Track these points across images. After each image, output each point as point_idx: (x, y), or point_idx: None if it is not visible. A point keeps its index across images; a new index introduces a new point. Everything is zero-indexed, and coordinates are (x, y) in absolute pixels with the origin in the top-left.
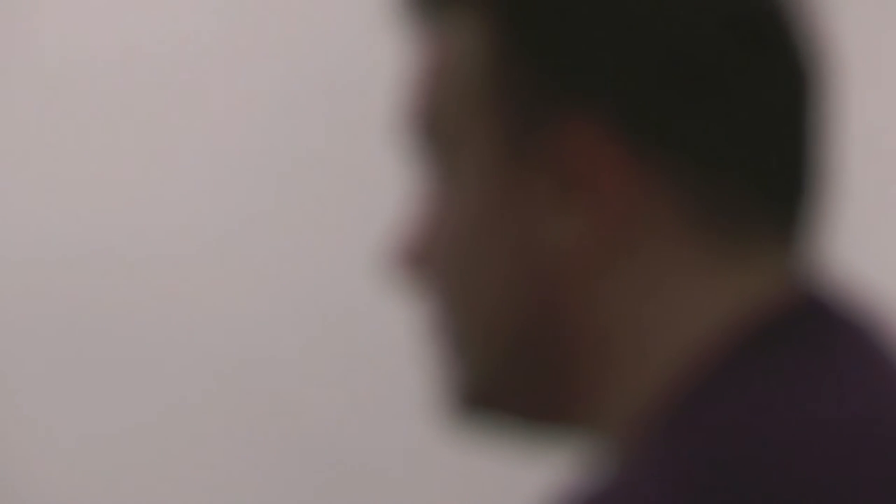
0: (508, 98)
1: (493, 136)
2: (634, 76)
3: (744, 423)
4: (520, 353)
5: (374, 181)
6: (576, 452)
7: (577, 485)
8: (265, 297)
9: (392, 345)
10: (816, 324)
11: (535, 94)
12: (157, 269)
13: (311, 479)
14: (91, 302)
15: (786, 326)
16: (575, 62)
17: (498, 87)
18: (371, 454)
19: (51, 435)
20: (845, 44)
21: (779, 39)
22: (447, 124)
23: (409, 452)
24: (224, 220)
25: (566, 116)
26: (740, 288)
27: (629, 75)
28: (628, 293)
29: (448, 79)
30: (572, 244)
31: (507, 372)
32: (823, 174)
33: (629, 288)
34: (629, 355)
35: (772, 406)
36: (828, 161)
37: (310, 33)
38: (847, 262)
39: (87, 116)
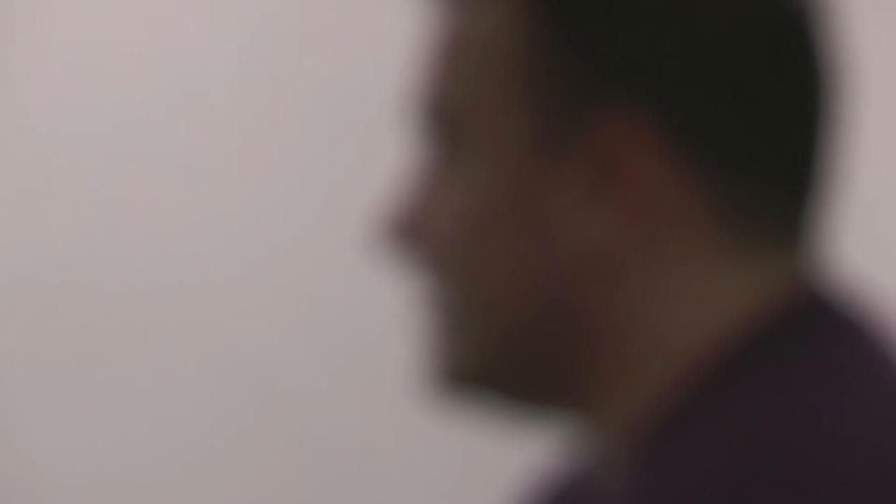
0: (543, 86)
1: (522, 123)
2: (674, 72)
3: (760, 432)
4: (527, 339)
5: (367, 174)
6: (563, 434)
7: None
8: (261, 298)
9: (389, 338)
10: (823, 324)
11: (573, 84)
12: (156, 272)
13: (310, 474)
14: (90, 304)
15: (793, 327)
16: (617, 55)
17: (531, 74)
18: (368, 449)
19: (51, 439)
20: (857, 46)
21: (803, 43)
22: (465, 107)
23: (403, 442)
24: (222, 221)
25: (605, 108)
26: (751, 287)
27: (669, 71)
28: (649, 286)
29: (470, 62)
30: (599, 235)
31: (508, 356)
32: (832, 176)
33: (650, 281)
34: (639, 349)
35: (784, 416)
36: (836, 163)
37: (310, 33)
38: (851, 262)
39: (94, 123)
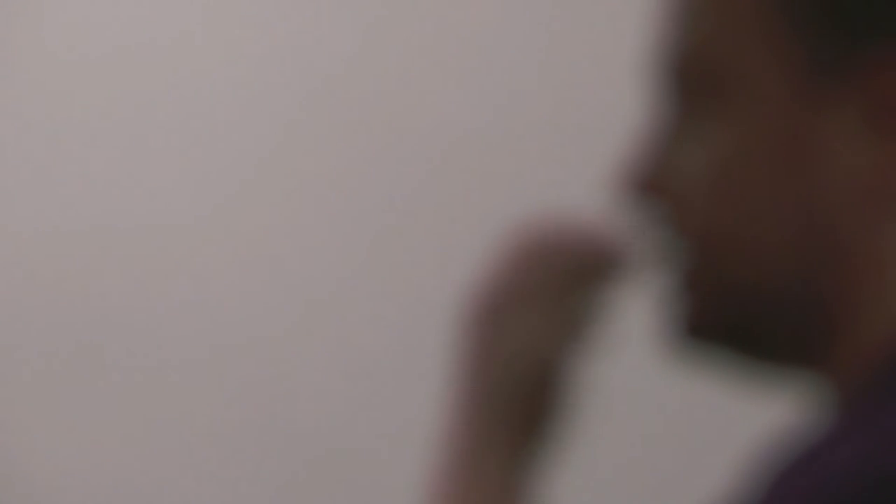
0: (812, 29)
1: (790, 62)
2: None
3: None
4: (794, 293)
5: (369, 176)
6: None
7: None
8: (258, 287)
9: (391, 337)
10: None
11: (845, 20)
12: (151, 261)
13: (306, 469)
14: (90, 297)
15: None
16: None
17: (797, 17)
18: (368, 444)
19: (48, 433)
20: None
21: None
22: (720, 55)
23: (402, 439)
24: (218, 210)
25: (878, 44)
26: None
27: None
28: None
29: (722, 9)
30: (871, 172)
31: (759, 310)
32: None
33: None
34: (886, 291)
35: None
36: None
37: (313, 35)
38: None
39: (92, 114)
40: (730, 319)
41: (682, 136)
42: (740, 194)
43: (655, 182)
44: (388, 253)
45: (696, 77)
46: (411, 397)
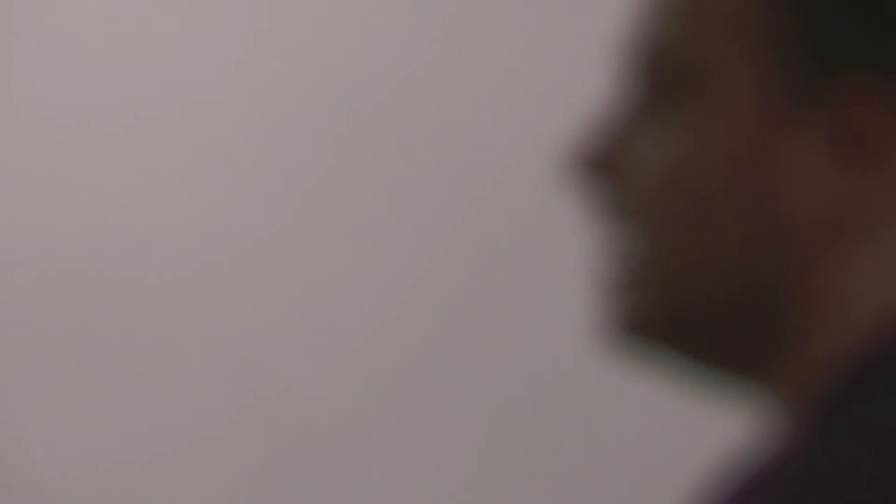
0: (792, 35)
1: (764, 72)
2: None
3: None
4: (727, 300)
5: (377, 190)
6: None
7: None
8: (257, 287)
9: (394, 342)
10: None
11: (826, 37)
12: (160, 275)
13: (316, 478)
14: (94, 304)
15: None
16: (877, 13)
17: (779, 21)
18: (373, 453)
19: (48, 433)
20: None
21: None
22: (696, 53)
23: (407, 448)
24: (222, 210)
25: (856, 70)
26: None
27: None
28: (863, 253)
29: (706, 6)
30: (831, 199)
31: (699, 314)
32: None
33: (866, 248)
34: (832, 314)
35: None
36: None
37: (321, 41)
38: None
39: (93, 114)
40: (671, 320)
41: (642, 123)
42: (692, 199)
43: (608, 160)
44: (395, 263)
45: (667, 71)
46: (420, 407)
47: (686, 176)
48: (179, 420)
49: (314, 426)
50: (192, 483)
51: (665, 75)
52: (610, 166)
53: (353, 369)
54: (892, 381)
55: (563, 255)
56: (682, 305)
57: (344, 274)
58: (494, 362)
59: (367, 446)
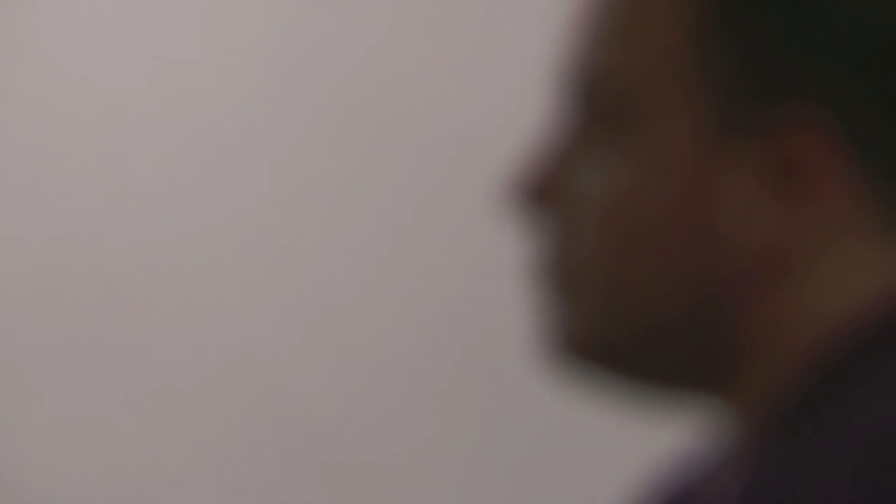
0: (723, 82)
1: (699, 105)
2: (865, 78)
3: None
4: (667, 329)
5: (366, 186)
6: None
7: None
8: (259, 289)
9: (388, 338)
10: None
11: (763, 70)
12: (156, 261)
13: (307, 473)
14: (92, 292)
15: None
16: (816, 51)
17: (714, 54)
18: (368, 448)
19: (47, 422)
20: None
21: None
22: (629, 84)
23: (405, 447)
24: (218, 213)
25: (794, 102)
26: (884, 281)
27: (860, 76)
28: (807, 284)
29: (640, 36)
30: (768, 232)
31: (638, 340)
32: None
33: (809, 279)
34: (782, 340)
35: None
36: None
37: (323, 40)
38: None
39: (93, 115)
40: (609, 345)
41: (581, 152)
42: (631, 234)
43: (548, 189)
44: (397, 262)
45: (604, 103)
46: (421, 405)
47: (625, 212)
48: (179, 420)
49: (314, 426)
50: (192, 483)
51: (601, 108)
52: (550, 195)
53: (353, 369)
54: (857, 384)
55: None
56: (622, 331)
57: (344, 274)
58: (494, 362)
59: (366, 446)
